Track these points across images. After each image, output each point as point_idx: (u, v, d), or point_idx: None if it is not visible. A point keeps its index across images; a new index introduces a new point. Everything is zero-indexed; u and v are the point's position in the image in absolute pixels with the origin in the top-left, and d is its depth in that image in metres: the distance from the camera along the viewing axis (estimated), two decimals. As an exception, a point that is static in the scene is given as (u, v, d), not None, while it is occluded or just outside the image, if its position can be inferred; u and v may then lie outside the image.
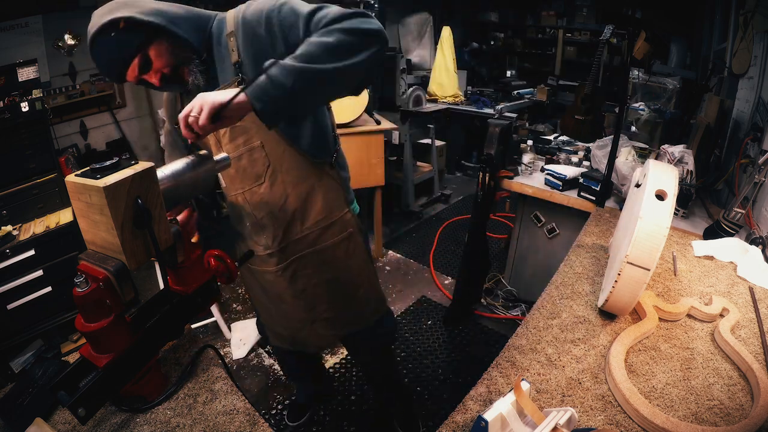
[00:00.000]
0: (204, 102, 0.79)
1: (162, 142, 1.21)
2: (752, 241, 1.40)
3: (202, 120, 0.78)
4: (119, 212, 0.66)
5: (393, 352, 1.68)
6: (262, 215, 1.13)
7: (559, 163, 2.22)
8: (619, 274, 0.92)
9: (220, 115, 0.79)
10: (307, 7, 0.94)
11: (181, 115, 0.81)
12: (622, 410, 0.82)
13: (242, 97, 0.80)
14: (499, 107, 4.01)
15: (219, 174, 1.00)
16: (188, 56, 0.97)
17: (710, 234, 1.49)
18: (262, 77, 0.80)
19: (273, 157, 1.07)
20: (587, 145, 2.34)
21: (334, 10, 0.91)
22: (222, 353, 1.63)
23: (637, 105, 2.62)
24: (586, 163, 2.15)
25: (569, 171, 2.00)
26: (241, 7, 0.99)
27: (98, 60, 0.90)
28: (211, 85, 0.99)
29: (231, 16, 1.00)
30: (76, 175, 0.67)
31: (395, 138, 3.42)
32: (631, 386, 0.81)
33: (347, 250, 1.22)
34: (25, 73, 2.03)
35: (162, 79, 0.95)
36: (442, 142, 3.98)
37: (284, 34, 0.95)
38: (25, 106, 1.99)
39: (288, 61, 0.81)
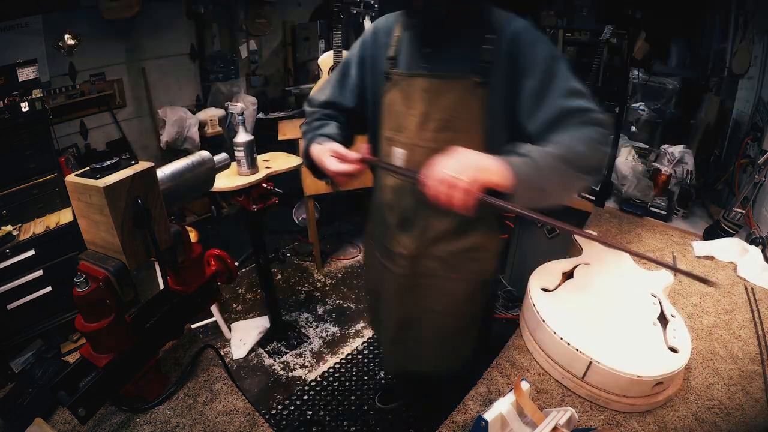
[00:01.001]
0: (478, 171, 0.71)
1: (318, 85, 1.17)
2: (752, 241, 1.40)
3: (473, 195, 0.71)
4: (119, 212, 0.66)
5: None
6: (419, 216, 1.03)
7: (559, 163, 2.22)
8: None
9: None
10: (568, 84, 0.87)
11: (439, 176, 0.72)
12: (605, 408, 0.82)
13: (510, 179, 0.73)
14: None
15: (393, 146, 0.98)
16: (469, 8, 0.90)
17: (710, 234, 1.49)
18: (538, 164, 0.76)
19: None
20: (587, 145, 2.34)
21: (597, 113, 0.87)
22: (222, 353, 1.63)
23: (637, 105, 2.62)
24: (586, 163, 2.15)
25: (569, 171, 2.00)
26: (516, 20, 0.90)
27: None
28: (435, 53, 0.92)
29: (507, 18, 0.90)
30: (76, 175, 0.67)
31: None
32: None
33: (471, 293, 1.11)
34: (25, 73, 2.02)
35: None
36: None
37: (537, 89, 0.86)
38: (25, 106, 1.98)
39: (558, 160, 0.78)
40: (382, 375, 2.07)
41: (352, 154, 0.90)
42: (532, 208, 0.75)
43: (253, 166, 1.78)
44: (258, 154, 1.84)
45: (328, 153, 0.91)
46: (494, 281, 1.17)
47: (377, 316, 1.31)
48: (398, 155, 0.98)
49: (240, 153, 1.73)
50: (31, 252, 1.88)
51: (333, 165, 0.90)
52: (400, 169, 0.93)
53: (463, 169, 0.72)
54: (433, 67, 0.92)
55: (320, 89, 1.12)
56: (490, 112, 0.91)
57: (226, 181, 1.69)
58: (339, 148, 0.91)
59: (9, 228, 1.90)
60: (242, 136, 1.73)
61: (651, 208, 1.69)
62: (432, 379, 1.50)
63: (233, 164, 1.75)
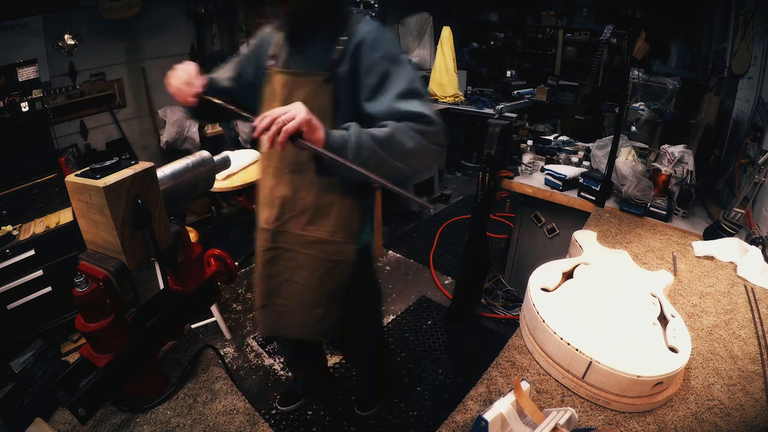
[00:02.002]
0: (300, 113, 0.84)
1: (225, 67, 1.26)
2: (752, 241, 1.40)
3: (290, 128, 0.82)
4: (119, 212, 0.66)
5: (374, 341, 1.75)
6: (277, 196, 1.17)
7: (559, 163, 2.22)
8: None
9: (300, 135, 0.84)
10: (404, 85, 1.01)
11: (270, 114, 0.83)
12: (604, 408, 0.82)
13: (321, 136, 0.87)
14: (499, 107, 4.01)
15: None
16: (323, 15, 1.04)
17: (710, 234, 1.49)
18: (350, 136, 0.90)
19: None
20: (587, 145, 2.34)
21: (425, 109, 1.00)
22: (222, 353, 1.63)
23: (637, 105, 2.62)
24: (586, 163, 2.15)
25: (569, 171, 2.00)
26: (369, 24, 1.05)
27: None
28: (297, 52, 1.09)
29: (361, 22, 1.06)
30: (76, 175, 0.67)
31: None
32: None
33: (327, 272, 1.22)
34: (25, 73, 2.02)
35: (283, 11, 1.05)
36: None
37: (374, 87, 1.01)
38: (25, 106, 1.99)
39: (373, 140, 0.92)
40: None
41: (198, 81, 1.04)
42: (353, 175, 0.87)
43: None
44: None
45: (179, 69, 1.04)
46: (356, 263, 1.24)
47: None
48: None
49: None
50: (31, 252, 1.88)
51: (174, 79, 1.03)
52: (236, 110, 0.99)
53: (287, 110, 0.84)
54: (292, 65, 1.09)
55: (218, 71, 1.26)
56: (337, 105, 1.06)
57: (226, 181, 1.69)
58: (192, 70, 1.05)
59: (9, 228, 1.91)
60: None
61: (651, 208, 1.69)
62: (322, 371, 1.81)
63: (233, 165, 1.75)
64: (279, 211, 1.18)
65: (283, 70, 1.09)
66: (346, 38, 1.03)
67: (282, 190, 1.16)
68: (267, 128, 0.83)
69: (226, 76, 1.23)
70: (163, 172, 0.79)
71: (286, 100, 1.02)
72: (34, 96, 2.02)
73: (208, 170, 0.89)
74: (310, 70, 1.06)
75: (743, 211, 1.44)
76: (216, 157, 0.93)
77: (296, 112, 0.84)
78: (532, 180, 2.12)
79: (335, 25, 1.05)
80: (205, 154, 0.90)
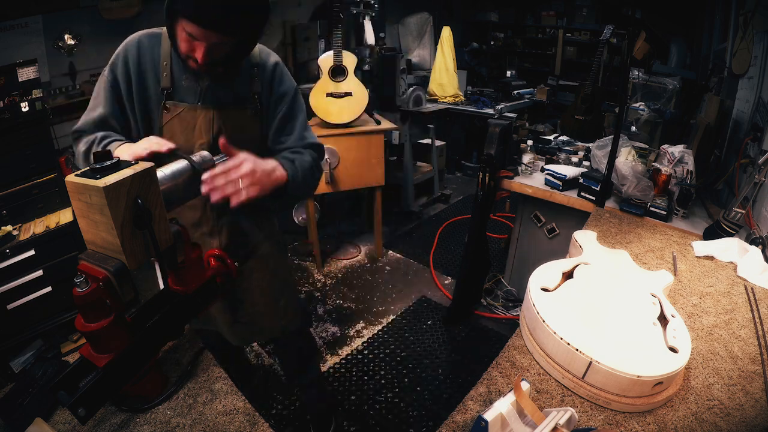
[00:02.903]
0: (256, 170, 0.90)
1: (84, 124, 1.04)
2: (752, 241, 1.40)
3: (251, 193, 0.87)
4: (119, 212, 0.66)
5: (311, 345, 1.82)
6: (223, 228, 1.20)
7: (559, 163, 2.22)
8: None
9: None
10: (304, 116, 1.18)
11: (222, 168, 0.85)
12: (595, 404, 0.82)
13: (282, 175, 0.98)
14: (499, 107, 4.01)
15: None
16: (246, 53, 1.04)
17: (710, 234, 1.49)
18: (295, 167, 1.04)
19: None
20: (587, 145, 2.34)
21: (316, 141, 1.19)
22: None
23: (637, 105, 2.62)
24: (586, 163, 2.15)
25: (569, 171, 2.00)
26: (272, 55, 1.13)
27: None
28: (220, 87, 1.06)
29: (265, 51, 1.13)
30: (76, 175, 0.67)
31: (395, 138, 3.42)
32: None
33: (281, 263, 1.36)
34: (25, 73, 2.02)
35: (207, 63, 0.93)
36: (442, 142, 3.98)
37: (285, 116, 1.14)
38: (25, 106, 1.98)
39: (302, 171, 1.07)
40: (382, 374, 2.07)
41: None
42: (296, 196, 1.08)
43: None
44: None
45: (150, 140, 0.89)
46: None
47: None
48: None
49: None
50: (31, 252, 1.88)
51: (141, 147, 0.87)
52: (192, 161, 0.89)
53: (247, 168, 0.88)
54: (218, 100, 1.06)
55: (88, 111, 1.04)
56: (261, 132, 1.14)
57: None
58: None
59: (9, 228, 1.90)
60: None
61: (651, 208, 1.69)
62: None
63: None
64: (228, 238, 1.20)
65: (211, 106, 1.04)
66: (256, 67, 1.09)
67: (227, 225, 1.19)
68: (219, 187, 0.85)
69: (122, 123, 1.06)
70: (163, 172, 0.79)
71: (216, 136, 1.03)
72: (34, 96, 2.02)
73: (208, 170, 0.89)
74: (238, 104, 1.08)
75: (743, 211, 1.44)
76: (216, 157, 0.93)
77: (248, 172, 0.88)
78: (532, 180, 2.12)
79: (248, 57, 1.07)
80: (205, 154, 0.90)
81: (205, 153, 0.90)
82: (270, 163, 0.96)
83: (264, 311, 1.34)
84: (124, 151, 0.86)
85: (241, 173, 0.87)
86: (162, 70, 1.02)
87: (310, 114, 2.50)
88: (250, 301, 1.30)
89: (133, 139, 1.04)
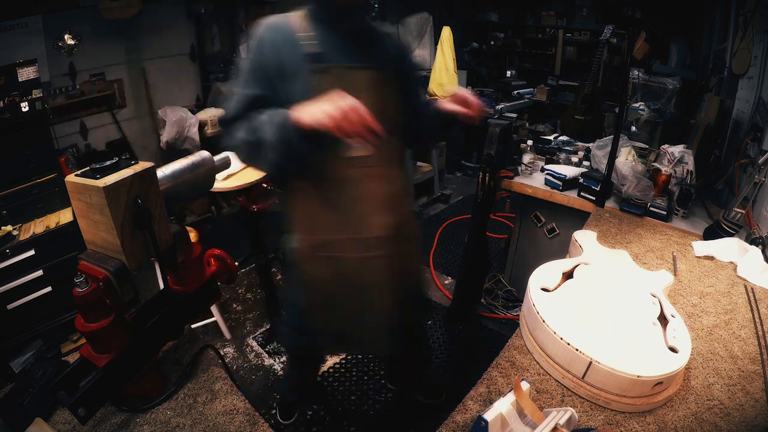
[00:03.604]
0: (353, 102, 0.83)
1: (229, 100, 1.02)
2: (752, 241, 1.40)
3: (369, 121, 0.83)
4: (119, 212, 0.66)
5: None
6: (383, 197, 1.10)
7: (559, 163, 2.22)
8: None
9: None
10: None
11: (344, 106, 0.81)
12: (597, 406, 0.82)
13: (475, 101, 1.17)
14: (499, 107, 4.01)
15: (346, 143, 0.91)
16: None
17: (710, 234, 1.49)
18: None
19: (397, 146, 1.15)
20: (587, 145, 2.34)
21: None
22: (222, 353, 1.63)
23: (637, 105, 2.62)
24: (586, 163, 2.15)
25: (569, 171, 2.00)
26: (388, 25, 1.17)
27: None
28: (364, 46, 1.06)
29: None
30: (76, 175, 0.67)
31: (395, 138, 3.42)
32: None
33: (419, 244, 1.34)
34: (25, 73, 2.02)
35: None
36: (442, 142, 3.98)
37: (417, 80, 1.25)
38: (25, 106, 1.99)
39: None
40: (383, 374, 2.07)
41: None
42: None
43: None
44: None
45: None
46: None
47: (342, 316, 1.24)
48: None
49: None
50: (31, 252, 1.88)
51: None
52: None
53: (341, 103, 0.83)
54: (370, 62, 1.03)
55: (236, 92, 1.02)
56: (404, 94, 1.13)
57: (226, 181, 1.69)
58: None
59: (9, 228, 1.91)
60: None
61: (651, 208, 1.69)
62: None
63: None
64: (390, 214, 1.11)
65: (370, 66, 1.02)
66: (387, 31, 1.13)
67: (385, 190, 1.10)
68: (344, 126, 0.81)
69: (264, 96, 1.01)
70: (163, 172, 0.79)
71: (379, 101, 1.00)
72: (34, 96, 2.02)
73: (208, 170, 0.89)
74: (387, 66, 1.05)
75: (743, 211, 1.44)
76: (216, 157, 0.93)
77: (350, 102, 0.83)
78: (532, 180, 2.12)
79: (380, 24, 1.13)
80: (205, 154, 0.90)
81: (204, 153, 0.90)
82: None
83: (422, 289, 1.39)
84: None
85: (341, 107, 0.82)
86: (303, 41, 0.99)
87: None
88: (382, 302, 1.21)
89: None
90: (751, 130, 1.73)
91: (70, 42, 2.68)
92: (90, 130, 2.94)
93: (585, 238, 1.26)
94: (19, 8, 2.34)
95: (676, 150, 1.81)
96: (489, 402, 0.82)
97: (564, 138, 2.53)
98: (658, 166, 1.79)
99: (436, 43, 4.29)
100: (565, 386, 0.87)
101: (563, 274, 1.06)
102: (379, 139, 0.88)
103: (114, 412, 0.84)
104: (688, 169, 1.75)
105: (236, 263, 0.99)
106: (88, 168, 0.68)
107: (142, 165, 0.70)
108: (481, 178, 2.01)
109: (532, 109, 4.69)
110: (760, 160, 1.41)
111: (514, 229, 2.41)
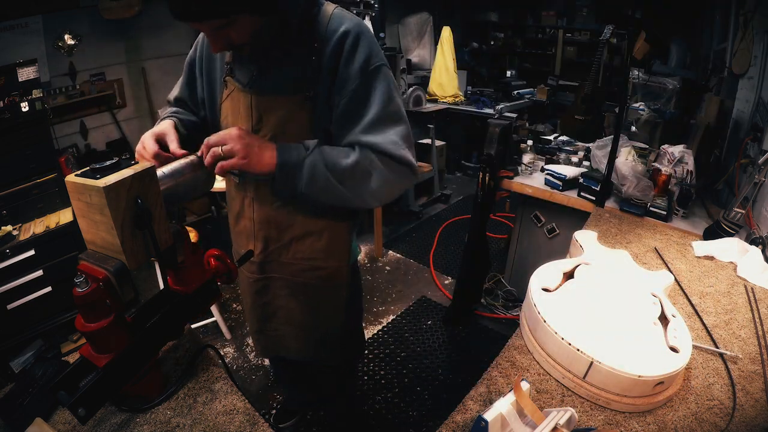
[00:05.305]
0: (235, 147, 0.81)
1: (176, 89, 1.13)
2: (752, 241, 1.40)
3: (226, 165, 0.81)
4: (119, 212, 0.66)
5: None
6: (260, 226, 1.09)
7: (559, 163, 2.22)
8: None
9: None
10: (377, 110, 0.89)
11: (211, 141, 0.82)
12: (603, 407, 0.82)
13: (271, 162, 0.85)
14: (499, 107, 4.01)
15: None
16: (296, 34, 0.89)
17: (710, 234, 1.49)
18: (303, 166, 0.86)
19: None
20: (587, 145, 2.34)
21: (393, 139, 0.89)
22: (222, 353, 1.63)
23: (637, 105, 2.62)
24: (586, 163, 2.15)
25: (569, 171, 2.00)
26: (346, 22, 0.88)
27: None
28: (266, 69, 0.93)
29: (336, 19, 0.89)
30: (76, 175, 0.67)
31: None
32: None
33: (324, 297, 1.18)
34: (25, 73, 2.02)
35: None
36: (442, 142, 3.98)
37: (349, 101, 0.89)
38: (25, 106, 1.99)
39: (330, 171, 0.86)
40: (382, 374, 2.07)
41: (150, 150, 0.86)
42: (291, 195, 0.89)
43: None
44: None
45: (155, 134, 0.89)
46: (350, 283, 1.20)
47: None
48: None
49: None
50: (31, 252, 1.88)
51: (147, 145, 0.87)
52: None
53: (222, 141, 0.81)
54: (262, 86, 0.93)
55: (174, 89, 1.15)
56: (316, 124, 0.93)
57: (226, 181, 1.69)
58: (170, 134, 0.89)
59: (9, 228, 1.91)
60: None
61: (651, 208, 1.69)
62: (318, 384, 1.64)
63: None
64: (263, 244, 1.10)
65: (254, 92, 0.94)
66: (320, 47, 0.88)
67: (265, 221, 1.07)
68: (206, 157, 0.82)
69: (182, 98, 1.11)
70: (163, 172, 0.79)
71: (258, 123, 0.95)
72: (34, 96, 2.02)
73: (209, 170, 0.89)
74: (285, 93, 0.92)
75: (743, 211, 1.44)
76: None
77: (232, 145, 0.80)
78: (532, 180, 2.12)
79: (310, 30, 0.89)
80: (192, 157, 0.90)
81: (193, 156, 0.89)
82: (268, 144, 0.86)
83: (294, 335, 1.23)
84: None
85: (223, 138, 0.81)
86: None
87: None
88: (283, 318, 1.21)
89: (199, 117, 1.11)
90: (751, 130, 1.73)
91: (70, 42, 2.67)
92: (90, 130, 2.94)
93: (585, 238, 1.26)
94: (19, 8, 2.34)
95: (676, 150, 1.81)
96: (489, 402, 0.82)
97: (564, 138, 2.54)
98: (658, 166, 1.79)
99: (436, 43, 4.29)
100: (565, 386, 0.87)
101: (564, 274, 1.06)
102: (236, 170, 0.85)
103: (114, 412, 0.84)
104: (688, 169, 1.75)
105: (236, 263, 0.98)
106: (88, 168, 0.68)
107: (142, 165, 0.70)
108: (481, 178, 2.01)
109: (532, 109, 4.69)
110: (760, 160, 1.41)
111: (514, 229, 2.41)
